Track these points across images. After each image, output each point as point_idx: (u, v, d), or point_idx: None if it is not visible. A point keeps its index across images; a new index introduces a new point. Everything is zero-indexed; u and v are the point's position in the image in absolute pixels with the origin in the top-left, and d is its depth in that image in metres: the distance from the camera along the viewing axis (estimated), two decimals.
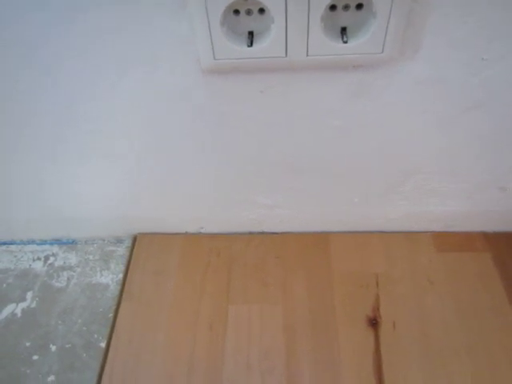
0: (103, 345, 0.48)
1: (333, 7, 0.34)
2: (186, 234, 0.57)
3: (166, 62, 0.38)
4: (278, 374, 0.45)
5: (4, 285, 0.55)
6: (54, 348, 0.49)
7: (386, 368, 0.43)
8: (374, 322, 0.46)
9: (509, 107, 0.41)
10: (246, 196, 0.52)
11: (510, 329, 0.45)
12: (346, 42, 0.34)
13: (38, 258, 0.57)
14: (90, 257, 0.56)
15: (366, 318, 0.47)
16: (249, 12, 0.34)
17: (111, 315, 0.51)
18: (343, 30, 0.35)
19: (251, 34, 0.35)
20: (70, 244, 0.58)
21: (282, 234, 0.56)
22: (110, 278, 0.54)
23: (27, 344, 0.49)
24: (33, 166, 0.49)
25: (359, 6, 0.34)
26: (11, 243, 0.59)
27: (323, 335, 0.47)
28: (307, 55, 0.35)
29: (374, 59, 0.35)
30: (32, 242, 0.59)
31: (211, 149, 0.46)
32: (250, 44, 0.35)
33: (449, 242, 0.52)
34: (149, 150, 0.47)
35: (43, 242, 0.59)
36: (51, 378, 0.47)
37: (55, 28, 0.35)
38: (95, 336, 0.49)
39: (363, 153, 0.44)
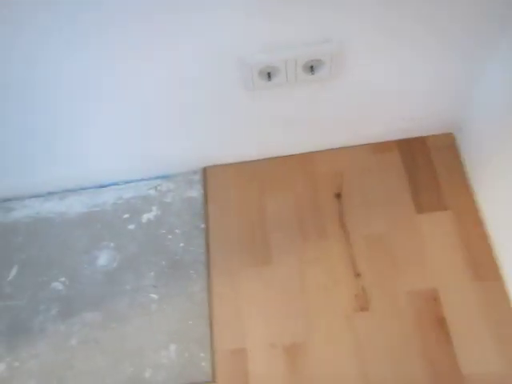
0: (203, 226, 0.94)
1: None
2: (232, 163, 1.00)
3: None
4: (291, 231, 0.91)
5: (137, 204, 0.99)
6: (178, 231, 0.94)
7: (346, 219, 0.90)
8: (338, 195, 0.92)
9: None
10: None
11: (404, 189, 0.91)
12: None
13: (150, 188, 1.01)
14: (181, 184, 1.00)
15: (334, 194, 0.92)
16: None
17: (203, 211, 0.96)
18: None
19: None
20: (166, 177, 1.01)
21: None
22: (196, 193, 0.98)
23: (163, 231, 0.95)
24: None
25: None
26: (131, 181, 1.02)
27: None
28: None
29: None
30: (142, 179, 1.02)
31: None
32: None
33: (380, 147, 0.96)
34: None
35: (150, 178, 1.01)
36: (181, 244, 0.93)
37: None
38: (197, 223, 0.95)
39: None
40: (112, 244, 0.96)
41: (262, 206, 0.94)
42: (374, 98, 0.84)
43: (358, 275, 0.84)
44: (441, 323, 0.79)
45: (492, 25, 0.70)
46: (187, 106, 0.82)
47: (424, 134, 0.96)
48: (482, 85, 0.81)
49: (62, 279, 0.93)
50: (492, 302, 0.79)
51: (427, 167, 0.93)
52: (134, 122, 0.85)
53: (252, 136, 0.92)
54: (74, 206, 1.01)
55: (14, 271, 0.95)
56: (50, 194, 1.02)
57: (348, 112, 0.87)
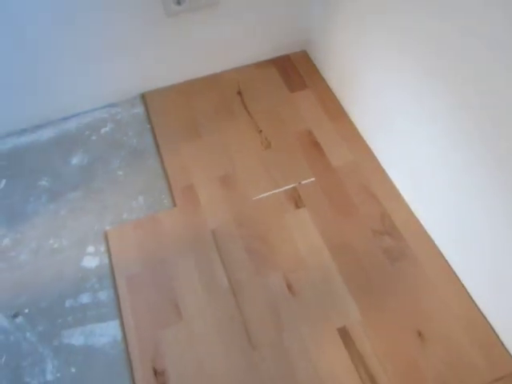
0: (149, 126, 1.30)
1: None
2: (163, 86, 1.39)
3: None
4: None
5: (95, 124, 1.32)
6: (130, 133, 1.29)
7: (247, 103, 1.32)
8: (239, 92, 1.35)
9: None
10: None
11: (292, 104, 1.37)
12: None
13: (102, 113, 1.35)
14: (127, 106, 1.36)
15: (236, 92, 1.35)
16: None
17: (147, 119, 1.32)
18: None
19: None
20: (113, 105, 1.36)
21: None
22: (139, 109, 1.35)
23: (118, 135, 1.29)
24: None
25: None
26: (86, 112, 1.35)
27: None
28: None
29: None
30: (94, 109, 1.36)
31: None
32: None
33: (261, 64, 1.42)
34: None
35: (100, 108, 1.36)
36: (135, 141, 1.27)
37: None
38: (144, 125, 1.30)
39: None
40: (81, 150, 1.27)
41: (190, 108, 1.33)
42: (249, 26, 1.31)
43: (260, 131, 1.26)
44: (315, 145, 1.22)
45: None
46: (120, 40, 1.21)
47: (288, 52, 1.45)
48: (313, 11, 1.33)
49: (45, 178, 1.22)
50: (343, 128, 1.25)
51: (293, 71, 1.41)
52: (84, 58, 1.22)
53: (177, 62, 1.33)
54: (44, 134, 1.31)
55: (2, 184, 1.22)
56: (23, 130, 1.31)
57: (234, 36, 1.33)
